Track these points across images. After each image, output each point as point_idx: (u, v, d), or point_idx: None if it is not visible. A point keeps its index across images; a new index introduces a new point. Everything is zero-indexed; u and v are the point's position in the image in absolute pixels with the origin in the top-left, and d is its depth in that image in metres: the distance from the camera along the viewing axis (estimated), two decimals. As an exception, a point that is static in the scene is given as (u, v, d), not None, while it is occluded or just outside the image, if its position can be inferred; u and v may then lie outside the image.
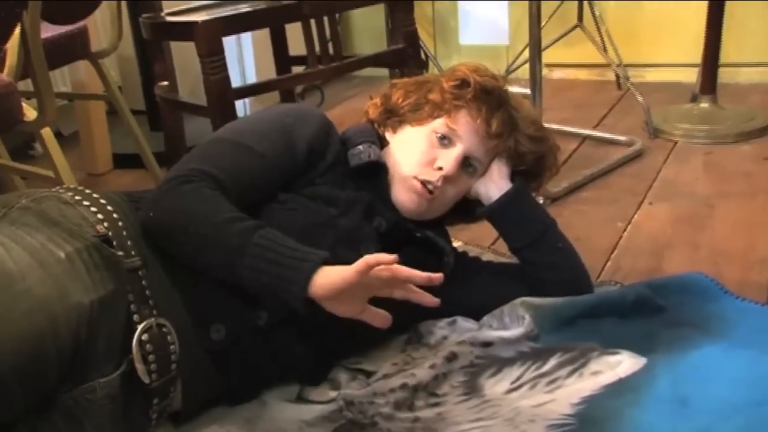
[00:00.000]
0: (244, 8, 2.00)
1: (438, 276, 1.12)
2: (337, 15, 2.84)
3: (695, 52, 2.77)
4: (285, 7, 2.01)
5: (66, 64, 2.45)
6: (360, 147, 1.38)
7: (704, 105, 2.71)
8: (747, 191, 2.11)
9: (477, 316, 1.41)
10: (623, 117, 2.87)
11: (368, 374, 1.33)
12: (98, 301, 1.08)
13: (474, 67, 1.42)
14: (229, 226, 1.15)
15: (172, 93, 2.30)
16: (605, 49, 3.00)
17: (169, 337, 1.15)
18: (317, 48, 2.13)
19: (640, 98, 2.71)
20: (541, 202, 2.04)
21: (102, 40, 2.56)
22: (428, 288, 1.14)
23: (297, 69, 2.35)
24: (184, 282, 1.21)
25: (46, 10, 1.83)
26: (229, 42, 1.90)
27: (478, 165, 1.41)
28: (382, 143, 1.44)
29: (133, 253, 1.17)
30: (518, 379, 1.27)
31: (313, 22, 2.11)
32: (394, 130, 1.45)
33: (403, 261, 1.11)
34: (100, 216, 1.17)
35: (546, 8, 2.52)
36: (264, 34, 2.54)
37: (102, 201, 1.21)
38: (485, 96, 1.39)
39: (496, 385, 1.26)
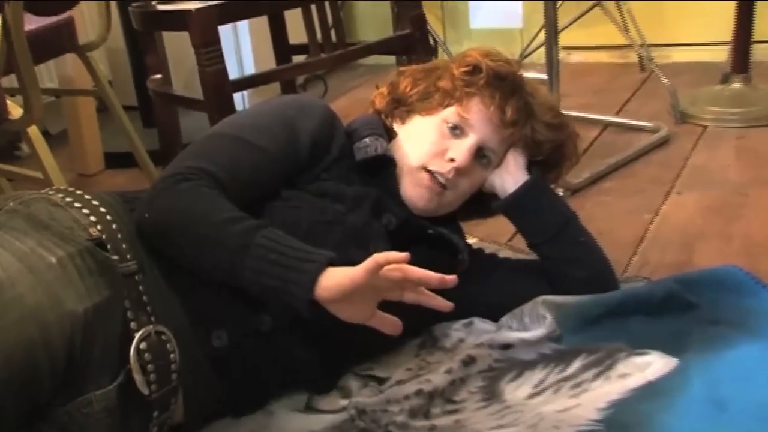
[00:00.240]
0: (240, -6, 2.01)
1: (452, 278, 1.12)
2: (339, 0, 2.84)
3: (725, 29, 2.76)
4: (284, -8, 2.02)
5: (52, 58, 2.47)
6: (366, 140, 1.39)
7: (736, 85, 2.70)
8: (783, 177, 2.11)
9: (495, 316, 1.42)
10: (647, 101, 2.86)
11: (381, 381, 1.33)
12: (93, 308, 1.08)
13: (486, 52, 1.42)
14: (229, 226, 1.16)
15: (166, 87, 2.30)
16: (627, 29, 2.99)
17: (168, 345, 1.16)
18: (319, 35, 2.14)
19: (665, 80, 2.70)
20: (560, 194, 2.03)
21: (90, 31, 2.57)
22: (442, 289, 1.14)
23: (298, 58, 2.36)
24: (182, 286, 1.21)
25: (29, 1, 1.84)
26: (225, 31, 1.91)
27: (493, 156, 1.42)
28: (390, 135, 1.45)
29: (128, 256, 1.17)
30: (540, 383, 1.27)
31: (314, 7, 2.12)
32: (403, 121, 1.45)
33: (414, 260, 1.11)
34: (92, 218, 1.18)
35: (562, -13, 2.53)
36: (262, 21, 2.55)
37: (94, 202, 1.21)
38: (498, 82, 1.40)
39: (516, 390, 1.26)
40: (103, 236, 1.16)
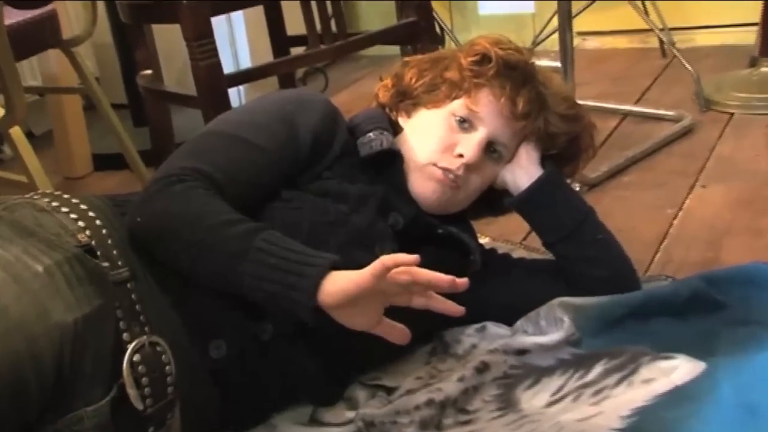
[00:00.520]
0: (234, -17, 2.02)
1: (463, 281, 1.11)
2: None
3: (752, 10, 2.76)
4: (280, -20, 2.03)
5: (35, 53, 2.46)
6: (370, 135, 1.39)
7: (765, 69, 2.70)
8: (816, 167, 2.11)
9: (509, 320, 1.42)
10: (669, 88, 2.86)
11: (389, 390, 1.34)
12: (82, 319, 1.08)
13: (495, 40, 1.42)
14: (226, 229, 1.16)
15: (157, 83, 2.31)
16: (646, 12, 2.99)
17: (163, 357, 1.16)
18: (318, 26, 2.14)
19: (688, 66, 2.70)
20: (577, 189, 2.04)
21: (75, 25, 2.56)
22: (453, 293, 1.14)
23: (297, 50, 2.36)
24: (178, 294, 1.22)
25: (8, -6, 1.84)
26: (219, 23, 1.91)
27: (504, 150, 1.42)
28: (395, 129, 1.45)
29: (119, 263, 1.18)
30: (559, 390, 1.27)
31: (312, -5, 2.12)
32: (408, 114, 1.46)
33: (423, 261, 1.11)
34: (81, 223, 1.18)
35: (576, -32, 2.53)
36: (258, 12, 2.55)
37: (82, 207, 1.22)
38: (509, 72, 1.40)
39: (534, 398, 1.27)
40: (93, 242, 1.17)
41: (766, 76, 2.68)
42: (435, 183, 1.37)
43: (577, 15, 2.67)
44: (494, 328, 1.42)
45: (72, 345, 1.07)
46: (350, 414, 1.29)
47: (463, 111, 1.39)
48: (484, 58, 1.40)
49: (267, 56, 2.59)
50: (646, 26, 2.99)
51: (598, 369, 1.28)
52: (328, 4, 2.15)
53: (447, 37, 3.20)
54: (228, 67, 1.99)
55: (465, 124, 1.39)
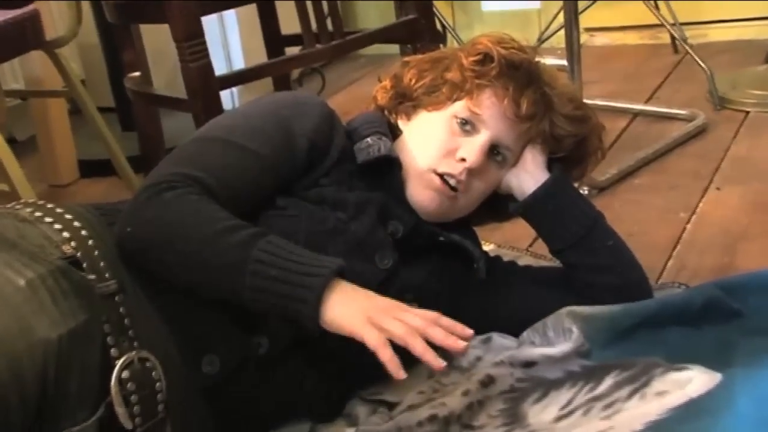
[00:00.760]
0: (225, -19, 2.02)
1: (464, 346, 1.14)
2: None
3: (768, 3, 2.77)
4: (273, -23, 2.03)
5: (16, 55, 2.47)
6: (368, 140, 1.39)
7: (781, 66, 2.71)
8: (837, 167, 2.11)
9: (515, 331, 1.42)
10: (682, 86, 2.87)
11: (390, 406, 1.34)
12: (68, 334, 1.08)
13: (497, 39, 1.42)
14: (223, 238, 1.16)
15: (146, 85, 2.31)
16: (657, 6, 3.00)
17: (153, 373, 1.16)
18: (314, 24, 2.14)
19: (701, 63, 2.70)
20: (585, 193, 2.04)
21: (58, 25, 2.57)
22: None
23: (292, 50, 2.37)
24: (169, 307, 1.22)
25: (-14, -8, 1.85)
26: (210, 22, 1.92)
27: (508, 153, 1.42)
28: (395, 133, 1.45)
29: (107, 275, 1.18)
30: (568, 403, 1.27)
31: (307, -7, 2.12)
32: (408, 117, 1.46)
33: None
34: (66, 234, 1.18)
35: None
36: (251, 10, 2.55)
37: (68, 216, 1.22)
38: (512, 72, 1.40)
39: (542, 413, 1.26)
40: (78, 254, 1.17)
41: (783, 73, 2.69)
42: (432, 192, 1.37)
43: (584, 10, 2.68)
44: (500, 340, 1.42)
45: (56, 362, 1.07)
46: (350, 431, 1.29)
47: (465, 113, 1.39)
48: (486, 58, 1.40)
49: (261, 57, 2.59)
50: (656, 21, 2.99)
51: (608, 381, 1.28)
52: (324, 2, 2.16)
53: (449, 35, 3.21)
54: (220, 69, 1.99)
55: (467, 126, 1.39)
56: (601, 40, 3.46)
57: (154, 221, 1.20)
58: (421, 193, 1.38)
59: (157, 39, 2.30)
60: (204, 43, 1.88)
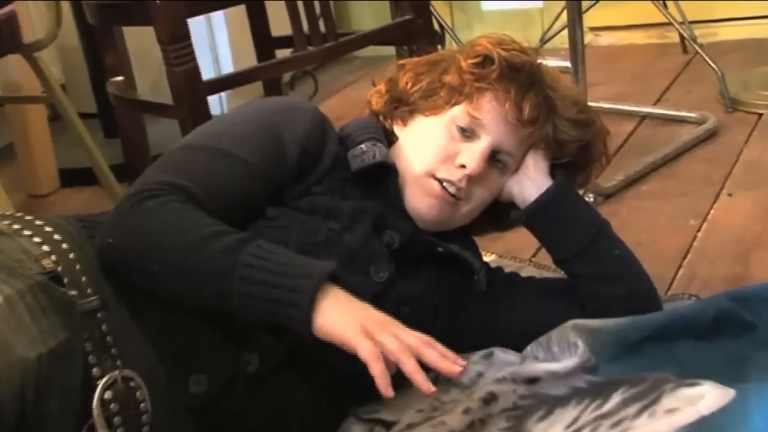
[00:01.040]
0: (212, -20, 2.02)
1: (459, 370, 1.15)
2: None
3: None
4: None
5: (-8, 59, 2.48)
6: (362, 146, 1.39)
7: (797, 65, 2.71)
8: None
9: (518, 345, 1.42)
10: (691, 88, 2.87)
11: (388, 425, 1.34)
12: (47, 354, 1.08)
13: (497, 40, 1.42)
14: (208, 244, 1.16)
15: (129, 90, 2.31)
16: (665, 4, 3.00)
17: (138, 393, 1.16)
18: (306, 26, 2.15)
19: (711, 63, 2.71)
20: (590, 200, 2.04)
21: (37, 27, 2.57)
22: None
23: (283, 53, 2.37)
24: (154, 323, 1.22)
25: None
26: (197, 24, 1.92)
27: (510, 159, 1.42)
28: (390, 139, 1.45)
29: (89, 291, 1.18)
30: (574, 421, 1.27)
31: (298, -7, 2.13)
32: (404, 122, 1.46)
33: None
34: (45, 248, 1.19)
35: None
36: (240, 12, 2.56)
37: (47, 229, 1.22)
38: (513, 74, 1.40)
39: (547, 431, 1.27)
40: (59, 268, 1.17)
41: (798, 72, 2.70)
42: (432, 199, 1.37)
43: (589, 9, 2.69)
44: (502, 355, 1.42)
45: (36, 383, 1.07)
46: (345, 452, 1.29)
47: (465, 118, 1.39)
48: (486, 60, 1.41)
49: (250, 60, 2.60)
50: (664, 20, 2.99)
51: (616, 398, 1.28)
52: (316, 2, 2.16)
53: (447, 36, 3.21)
54: (207, 73, 2.00)
55: (467, 132, 1.39)
56: (606, 39, 3.47)
57: (136, 230, 1.20)
58: (420, 201, 1.38)
59: (141, 41, 2.30)
60: (190, 45, 1.88)
